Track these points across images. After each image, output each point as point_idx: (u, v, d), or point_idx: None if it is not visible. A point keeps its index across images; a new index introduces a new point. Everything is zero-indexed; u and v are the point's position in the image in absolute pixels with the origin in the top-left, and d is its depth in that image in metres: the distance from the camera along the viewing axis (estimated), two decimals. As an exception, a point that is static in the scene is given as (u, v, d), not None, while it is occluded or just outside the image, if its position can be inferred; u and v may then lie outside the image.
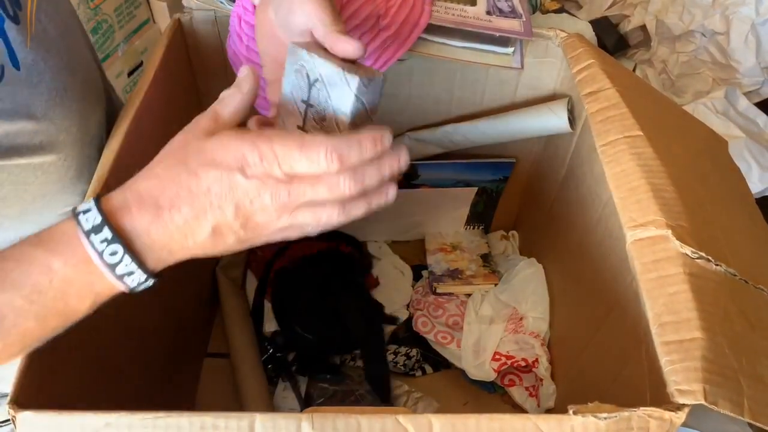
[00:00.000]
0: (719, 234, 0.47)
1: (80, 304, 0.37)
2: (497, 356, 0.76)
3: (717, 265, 0.43)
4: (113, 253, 0.36)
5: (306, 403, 0.74)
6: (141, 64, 1.18)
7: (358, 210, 0.39)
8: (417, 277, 0.88)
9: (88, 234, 0.36)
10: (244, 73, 0.41)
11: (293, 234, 0.40)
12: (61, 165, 0.53)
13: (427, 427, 0.36)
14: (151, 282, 0.38)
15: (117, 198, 0.37)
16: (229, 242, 0.38)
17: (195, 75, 0.73)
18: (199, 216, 0.37)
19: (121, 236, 0.36)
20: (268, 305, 0.83)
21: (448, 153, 0.80)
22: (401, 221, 0.89)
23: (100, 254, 0.36)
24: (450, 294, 0.84)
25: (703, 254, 0.42)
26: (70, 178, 0.54)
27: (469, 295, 0.84)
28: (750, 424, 0.39)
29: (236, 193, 0.36)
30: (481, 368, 0.75)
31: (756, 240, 0.52)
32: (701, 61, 1.18)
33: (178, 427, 0.35)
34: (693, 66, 1.19)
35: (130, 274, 0.37)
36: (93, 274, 0.36)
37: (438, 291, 0.84)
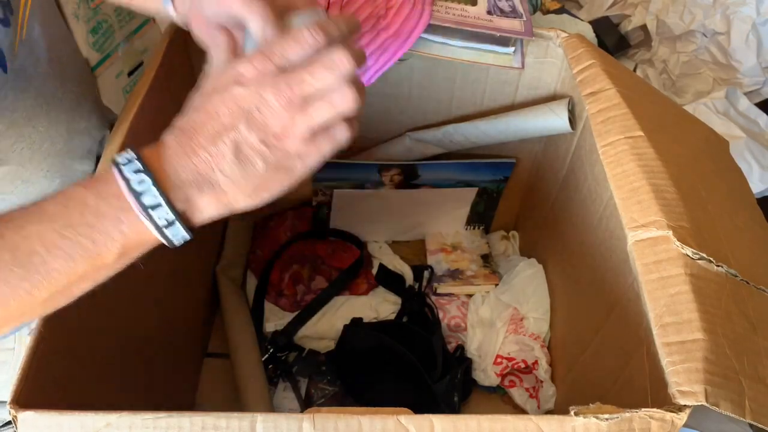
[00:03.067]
0: (720, 235, 0.47)
1: (108, 247, 0.36)
2: (499, 359, 0.76)
3: (718, 265, 0.43)
4: (141, 182, 0.36)
5: (306, 403, 0.74)
6: (141, 64, 1.18)
7: (361, 97, 0.39)
8: (417, 277, 0.88)
9: (120, 165, 0.36)
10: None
11: (326, 144, 0.39)
12: (44, 176, 0.53)
13: (428, 427, 0.36)
14: (181, 229, 0.37)
15: (149, 147, 0.38)
16: (259, 167, 0.37)
17: (195, 75, 0.73)
18: (215, 139, 0.36)
19: (151, 170, 0.36)
20: (268, 305, 0.83)
21: (449, 153, 0.80)
22: (401, 221, 0.89)
23: (128, 181, 0.36)
24: (450, 294, 0.84)
25: (705, 255, 0.42)
26: (54, 190, 0.54)
27: (469, 295, 0.84)
28: (751, 425, 0.39)
29: (241, 103, 0.36)
30: (485, 373, 0.76)
31: (757, 240, 0.52)
32: (702, 61, 1.18)
33: (179, 427, 0.35)
34: (694, 66, 1.19)
35: (156, 207, 0.36)
36: (122, 210, 0.36)
37: (438, 291, 0.84)
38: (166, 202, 0.36)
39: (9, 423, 0.63)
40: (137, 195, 0.36)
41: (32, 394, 0.38)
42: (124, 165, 0.36)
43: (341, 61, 0.37)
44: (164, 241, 0.37)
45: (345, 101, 0.37)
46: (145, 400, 0.60)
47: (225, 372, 0.76)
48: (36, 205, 0.37)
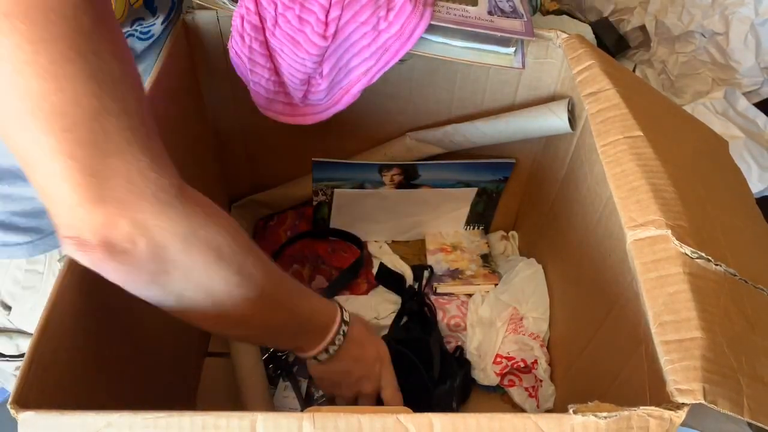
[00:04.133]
0: (719, 234, 0.47)
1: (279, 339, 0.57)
2: (498, 359, 0.76)
3: (717, 264, 0.43)
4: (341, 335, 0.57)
5: (306, 402, 0.74)
6: (141, 64, 1.18)
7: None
8: (417, 277, 0.88)
9: (344, 321, 0.57)
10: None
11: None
12: None
13: (427, 426, 0.36)
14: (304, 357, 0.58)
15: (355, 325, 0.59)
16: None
17: (197, 75, 0.73)
18: (350, 378, 0.61)
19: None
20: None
21: (449, 153, 0.80)
22: (401, 221, 0.90)
23: (338, 331, 0.56)
24: (450, 294, 0.84)
25: (703, 254, 0.42)
26: None
27: (469, 295, 0.84)
28: (749, 424, 0.39)
29: (361, 377, 0.61)
30: (485, 372, 0.76)
31: (756, 240, 0.53)
32: (701, 62, 1.18)
33: (180, 427, 0.35)
34: (692, 66, 1.19)
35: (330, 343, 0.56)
36: (314, 333, 0.56)
37: (438, 291, 0.84)
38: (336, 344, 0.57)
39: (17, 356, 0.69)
40: (334, 337, 0.56)
41: (32, 394, 0.38)
42: (344, 323, 0.57)
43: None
44: (301, 356, 0.58)
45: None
46: (145, 400, 0.60)
47: (225, 372, 0.76)
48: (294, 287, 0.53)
